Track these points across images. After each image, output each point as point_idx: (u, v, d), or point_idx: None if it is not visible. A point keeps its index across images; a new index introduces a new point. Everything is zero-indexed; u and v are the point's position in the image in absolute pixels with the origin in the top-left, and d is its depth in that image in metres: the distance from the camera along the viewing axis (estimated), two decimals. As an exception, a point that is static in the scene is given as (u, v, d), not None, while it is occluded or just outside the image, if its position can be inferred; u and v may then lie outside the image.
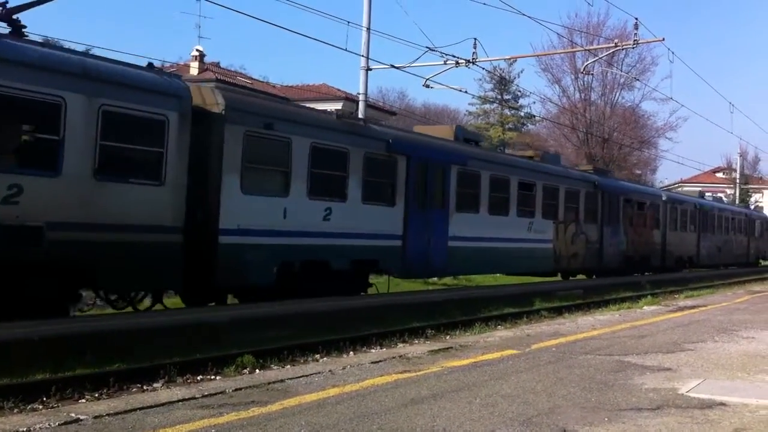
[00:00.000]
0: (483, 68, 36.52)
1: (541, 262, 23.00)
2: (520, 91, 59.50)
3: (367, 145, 16.06)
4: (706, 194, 44.39)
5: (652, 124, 57.90)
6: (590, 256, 25.86)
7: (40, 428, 5.48)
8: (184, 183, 12.04)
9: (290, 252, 14.07)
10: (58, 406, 7.12)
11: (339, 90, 40.90)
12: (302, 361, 10.12)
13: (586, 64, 38.02)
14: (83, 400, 7.62)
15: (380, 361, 8.78)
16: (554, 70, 53.90)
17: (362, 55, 23.94)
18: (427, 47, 24.23)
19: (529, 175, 22.36)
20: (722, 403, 6.83)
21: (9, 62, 9.96)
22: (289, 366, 9.47)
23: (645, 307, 17.12)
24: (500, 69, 55.48)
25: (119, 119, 11.19)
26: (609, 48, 33.26)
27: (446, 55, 24.95)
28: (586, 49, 41.34)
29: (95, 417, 5.80)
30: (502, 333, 12.11)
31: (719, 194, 55.45)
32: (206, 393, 6.80)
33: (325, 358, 10.21)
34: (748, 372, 8.57)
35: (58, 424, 5.57)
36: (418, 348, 10.19)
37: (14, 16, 10.90)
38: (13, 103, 10.01)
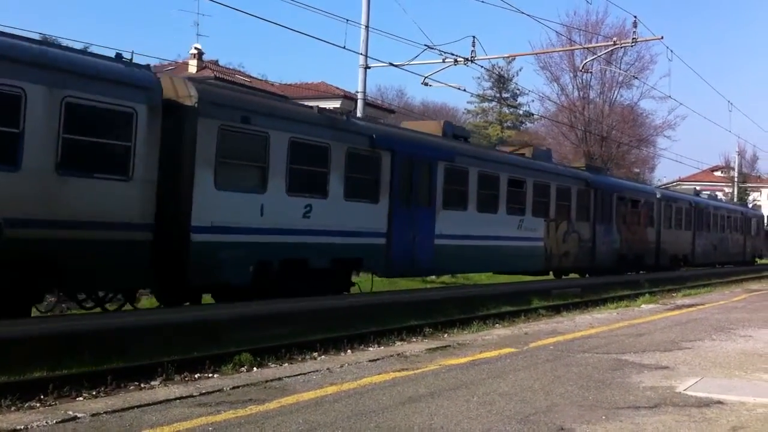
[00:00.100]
0: (482, 66, 36.64)
1: (531, 260, 22.60)
2: (518, 90, 59.51)
3: (350, 140, 15.62)
4: (703, 192, 44.38)
5: (650, 123, 58.04)
6: (582, 254, 25.50)
7: (37, 426, 5.47)
8: (154, 178, 11.62)
9: (268, 250, 13.66)
10: (55, 404, 7.11)
11: (338, 88, 40.90)
12: (300, 359, 10.12)
13: (584, 62, 38.09)
14: (81, 398, 7.61)
15: (378, 359, 8.78)
16: (553, 69, 53.99)
17: (361, 53, 23.94)
18: (425, 45, 24.26)
19: (519, 172, 21.92)
20: (720, 402, 6.84)
21: None
22: (286, 364, 9.46)
23: (643, 306, 17.13)
24: (499, 67, 55.46)
25: (84, 111, 10.75)
26: (608, 46, 33.29)
27: (445, 53, 24.97)
28: (584, 48, 41.40)
29: (93, 415, 5.80)
30: (499, 331, 12.12)
31: (717, 192, 55.52)
32: (204, 391, 6.80)
33: (323, 357, 10.21)
34: (746, 370, 8.58)
35: (56, 422, 5.57)
36: (415, 346, 10.19)
37: None
38: None
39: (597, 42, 43.96)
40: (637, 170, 63.66)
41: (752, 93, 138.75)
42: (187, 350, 9.83)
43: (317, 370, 7.89)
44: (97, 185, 10.95)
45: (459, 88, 29.39)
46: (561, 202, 24.04)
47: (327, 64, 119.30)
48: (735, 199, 63.41)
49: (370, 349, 10.96)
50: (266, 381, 7.30)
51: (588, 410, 6.38)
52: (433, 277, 24.18)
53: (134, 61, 11.95)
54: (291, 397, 6.59)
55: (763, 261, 51.93)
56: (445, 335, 12.29)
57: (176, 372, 8.90)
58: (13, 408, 7.10)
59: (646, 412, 6.35)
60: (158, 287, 12.86)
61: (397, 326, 12.75)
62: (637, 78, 49.70)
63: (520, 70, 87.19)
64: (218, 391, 6.84)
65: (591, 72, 46.98)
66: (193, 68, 38.02)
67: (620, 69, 51.07)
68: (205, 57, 40.42)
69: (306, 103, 19.17)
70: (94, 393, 7.94)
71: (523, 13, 40.92)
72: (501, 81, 57.52)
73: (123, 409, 5.99)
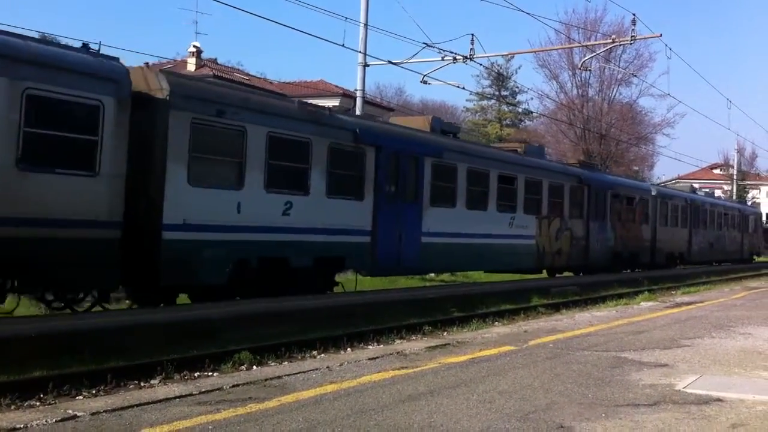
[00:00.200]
0: (481, 64, 36.63)
1: (522, 258, 22.23)
2: (517, 87, 59.62)
3: (332, 135, 15.22)
4: (700, 190, 44.26)
5: (649, 120, 58.01)
6: (576, 252, 25.18)
7: (37, 425, 5.47)
8: (122, 173, 11.18)
9: (245, 248, 13.27)
10: (55, 403, 7.12)
11: (337, 86, 40.89)
12: (299, 357, 10.11)
13: (583, 60, 38.11)
14: (80, 397, 7.62)
15: (377, 357, 8.78)
16: (552, 66, 53.93)
17: (360, 51, 23.94)
18: (424, 43, 24.28)
19: (510, 168, 21.57)
20: (719, 399, 6.84)
21: None
22: (286, 362, 9.46)
23: (642, 304, 17.13)
24: (498, 65, 55.64)
25: (47, 104, 10.32)
26: (606, 44, 33.35)
27: (444, 51, 25.00)
28: (583, 45, 41.43)
29: (92, 413, 5.79)
30: (499, 329, 12.12)
31: (716, 190, 55.52)
32: (203, 389, 6.80)
33: (322, 355, 10.21)
34: (745, 368, 8.58)
35: (55, 421, 5.57)
36: (415, 344, 10.19)
37: None
38: None
39: (596, 40, 43.98)
40: (636, 168, 63.68)
41: (751, 91, 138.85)
42: (187, 349, 9.83)
43: (317, 369, 7.89)
44: (61, 181, 10.50)
45: (458, 86, 29.52)
46: (553, 199, 23.71)
47: (326, 62, 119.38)
48: (734, 197, 63.44)
49: (370, 347, 10.96)
50: (266, 379, 7.30)
51: (587, 408, 6.39)
52: (432, 275, 24.09)
53: (103, 52, 11.57)
54: (291, 395, 6.59)
55: (762, 259, 51.87)
56: (445, 333, 12.29)
57: (176, 371, 8.90)
58: (12, 407, 7.10)
59: (645, 410, 6.36)
60: (129, 287, 12.44)
61: (396, 324, 12.74)
62: (635, 76, 49.73)
63: (519, 68, 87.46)
64: (218, 389, 6.83)
65: (590, 70, 46.97)
66: (191, 66, 38.02)
67: (619, 67, 51.09)
68: (203, 55, 40.43)
69: (323, 105, 19.13)
70: (93, 392, 7.94)
71: (522, 11, 40.97)
72: (500, 79, 57.60)
73: (122, 408, 5.98)
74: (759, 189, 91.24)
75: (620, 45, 32.58)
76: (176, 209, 12.01)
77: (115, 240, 11.07)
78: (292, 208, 14.19)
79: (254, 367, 9.11)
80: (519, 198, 21.79)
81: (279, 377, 7.42)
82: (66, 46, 11.24)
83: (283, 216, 14.02)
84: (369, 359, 8.62)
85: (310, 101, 20.78)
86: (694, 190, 40.89)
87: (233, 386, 6.97)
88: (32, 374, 8.18)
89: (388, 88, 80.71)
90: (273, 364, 9.37)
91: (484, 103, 61.13)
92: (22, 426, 5.42)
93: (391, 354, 9.02)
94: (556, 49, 49.29)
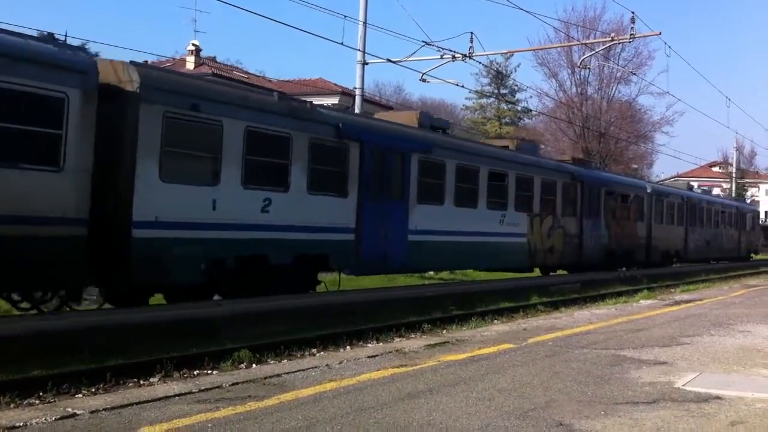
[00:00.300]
0: (480, 63, 36.61)
1: (514, 257, 21.78)
2: (516, 86, 59.52)
3: (314, 130, 14.71)
4: (700, 188, 44.18)
5: (648, 119, 58.07)
6: (569, 250, 24.72)
7: (36, 423, 5.47)
8: (89, 168, 10.71)
9: (221, 247, 12.82)
10: (54, 401, 7.12)
11: (336, 84, 40.91)
12: (299, 355, 10.11)
13: (582, 58, 38.06)
14: (80, 395, 7.62)
15: (377, 355, 8.78)
16: (551, 65, 53.96)
17: (359, 50, 23.95)
18: (423, 41, 24.30)
19: (501, 165, 21.07)
20: (718, 397, 6.85)
21: None
22: (285, 360, 9.47)
23: (641, 301, 17.14)
24: (497, 63, 55.52)
25: (7, 96, 9.85)
26: (605, 42, 33.32)
27: (443, 49, 25.02)
28: (582, 43, 41.41)
29: (92, 412, 5.79)
30: (498, 327, 12.12)
31: (715, 188, 55.49)
32: (203, 388, 6.79)
33: (321, 353, 10.21)
34: (744, 366, 8.59)
35: (55, 419, 5.57)
36: (414, 342, 10.19)
37: None
38: None
39: (595, 38, 44.05)
40: (635, 166, 63.71)
41: (750, 89, 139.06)
42: (186, 347, 9.83)
43: (316, 367, 7.89)
44: (23, 176, 10.04)
45: (457, 85, 29.42)
46: (546, 197, 23.26)
47: (325, 60, 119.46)
48: (733, 195, 63.45)
49: (369, 345, 10.96)
50: (265, 377, 7.30)
51: (587, 406, 6.39)
52: (431, 273, 24.01)
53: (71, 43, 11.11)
54: (290, 393, 6.59)
55: (759, 257, 51.78)
56: (444, 331, 12.30)
57: (175, 369, 8.90)
58: (12, 405, 7.09)
59: (644, 408, 6.36)
60: (99, 287, 11.97)
61: (395, 323, 12.74)
62: (635, 74, 49.75)
63: (518, 66, 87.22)
64: (217, 387, 6.83)
65: (589, 68, 46.96)
66: (190, 65, 38.01)
67: (618, 65, 51.13)
68: (202, 54, 40.42)
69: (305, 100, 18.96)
70: (93, 390, 7.94)
71: (521, 9, 41.01)
72: (499, 77, 57.53)
73: (122, 406, 5.98)
74: (758, 187, 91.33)
75: (619, 43, 32.54)
76: (147, 206, 11.59)
77: (81, 238, 10.59)
78: (271, 205, 13.74)
79: (254, 365, 9.12)
80: (510, 195, 21.35)
81: (278, 375, 7.42)
82: (29, 36, 10.71)
83: (261, 213, 13.59)
84: (368, 357, 8.62)
85: (309, 99, 20.77)
86: (690, 188, 40.61)
87: (233, 384, 6.97)
88: (31, 373, 8.18)
89: (387, 87, 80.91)
90: (272, 362, 9.38)
91: (483, 101, 61.05)
92: (21, 424, 5.41)
93: (390, 352, 9.02)
94: (555, 48, 49.40)
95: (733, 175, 72.00)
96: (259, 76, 42.15)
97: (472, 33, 25.02)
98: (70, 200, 10.52)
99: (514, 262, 22.24)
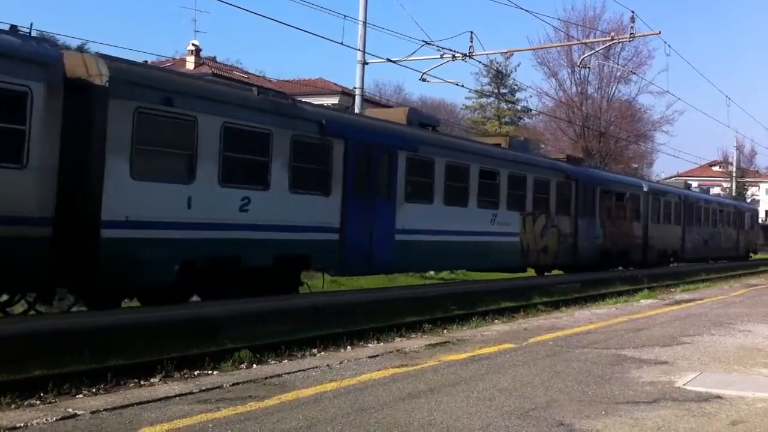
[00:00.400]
0: (480, 62, 36.61)
1: (506, 256, 21.30)
2: (516, 85, 59.56)
3: (296, 127, 14.25)
4: (700, 187, 44.03)
5: (648, 118, 58.07)
6: (563, 250, 24.23)
7: (37, 423, 5.47)
8: (54, 166, 10.30)
9: (196, 247, 12.36)
10: (55, 402, 7.12)
11: (336, 84, 40.92)
12: (299, 355, 10.12)
13: (582, 57, 38.05)
14: (80, 396, 7.61)
15: (377, 355, 8.78)
16: (551, 64, 53.96)
17: (358, 49, 23.97)
18: (423, 41, 24.31)
19: (492, 163, 20.54)
20: (719, 396, 6.85)
21: None
22: (286, 361, 9.47)
23: (642, 301, 17.14)
24: (497, 63, 55.56)
25: None
26: (605, 41, 33.32)
27: (443, 48, 25.02)
28: (582, 43, 41.39)
29: (92, 412, 5.79)
30: (499, 327, 12.12)
31: (716, 187, 55.48)
32: (203, 388, 6.79)
33: (322, 353, 10.22)
34: (745, 365, 8.59)
35: (56, 420, 5.57)
36: (415, 342, 10.19)
37: None
38: None
39: (595, 37, 44.06)
40: (635, 165, 63.73)
41: (750, 88, 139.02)
42: (187, 347, 9.84)
43: (317, 367, 7.89)
44: None
45: (457, 84, 29.42)
46: (539, 195, 22.76)
47: (325, 60, 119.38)
48: (733, 194, 63.43)
49: (370, 345, 10.96)
50: (266, 378, 7.30)
51: (587, 405, 6.39)
52: (432, 273, 23.93)
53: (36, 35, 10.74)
54: (290, 393, 6.59)
55: (758, 256, 51.64)
56: (445, 331, 12.30)
57: (176, 369, 8.90)
58: (13, 406, 7.10)
59: (645, 407, 6.36)
60: (68, 289, 11.60)
61: (396, 323, 12.75)
62: (635, 73, 49.79)
63: (518, 65, 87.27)
64: (218, 387, 6.83)
65: (589, 67, 46.96)
66: (190, 65, 38.03)
67: (618, 64, 51.13)
68: (202, 53, 40.44)
69: (304, 100, 18.90)
70: (93, 390, 7.94)
71: (520, 8, 41.01)
72: (499, 76, 57.55)
73: (123, 407, 5.98)
74: (758, 186, 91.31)
75: (619, 42, 32.50)
76: (117, 205, 11.14)
77: (45, 238, 10.17)
78: (250, 204, 13.28)
79: (254, 365, 9.12)
80: (502, 194, 20.87)
81: (279, 375, 7.42)
82: None
83: (240, 212, 13.14)
84: (369, 357, 8.62)
85: (309, 99, 20.71)
86: (688, 186, 40.19)
87: (233, 384, 6.97)
88: (32, 373, 8.18)
89: (387, 86, 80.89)
90: (273, 362, 9.38)
91: (483, 100, 61.07)
92: (22, 425, 5.41)
93: (391, 352, 9.02)
94: (555, 47, 49.38)
95: (734, 174, 71.96)
96: (259, 76, 42.16)
97: (471, 32, 25.06)
98: (34, 199, 10.12)
99: (507, 262, 21.79)
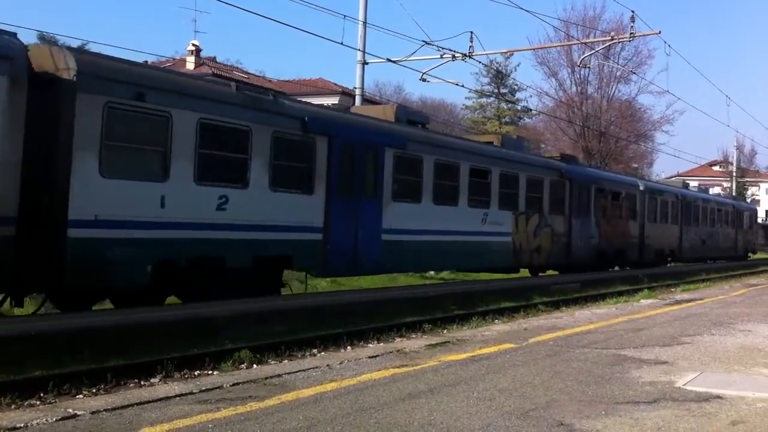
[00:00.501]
0: (480, 62, 36.62)
1: (498, 257, 20.90)
2: (516, 85, 59.63)
3: (277, 123, 13.89)
4: (700, 186, 43.89)
5: (648, 118, 58.11)
6: (556, 250, 23.85)
7: (37, 424, 5.47)
8: (17, 162, 9.99)
9: (171, 247, 12.00)
10: (55, 402, 7.12)
11: (336, 84, 40.93)
12: (299, 355, 10.11)
13: (582, 57, 38.06)
14: (80, 396, 7.61)
15: (378, 355, 8.78)
16: (551, 64, 54.01)
17: (358, 49, 23.98)
18: (423, 41, 24.32)
19: (483, 161, 20.12)
20: (719, 396, 6.85)
21: None
22: (286, 361, 9.46)
23: (642, 301, 17.13)
24: (497, 63, 55.62)
25: None
26: (605, 41, 33.31)
27: (443, 48, 25.04)
28: (582, 42, 41.40)
29: (92, 412, 5.79)
30: (499, 327, 12.12)
31: (716, 187, 55.43)
32: (203, 388, 6.79)
33: (322, 353, 10.21)
34: (745, 365, 8.59)
35: (56, 420, 5.57)
36: (415, 342, 10.19)
37: None
38: None
39: (595, 37, 44.07)
40: (635, 165, 63.77)
41: (750, 87, 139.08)
42: (187, 347, 9.83)
43: (317, 367, 7.89)
44: None
45: (457, 84, 29.42)
46: (532, 194, 22.37)
47: (325, 60, 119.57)
48: (734, 194, 63.42)
49: (370, 345, 10.96)
50: (266, 378, 7.30)
51: (587, 405, 6.39)
52: (432, 273, 23.85)
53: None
54: (291, 393, 6.59)
55: (757, 256, 51.54)
56: (445, 331, 12.30)
57: (176, 369, 8.90)
58: (13, 406, 7.09)
59: (645, 407, 6.36)
60: (36, 291, 11.35)
61: (396, 323, 12.73)
62: (635, 73, 49.86)
63: (518, 65, 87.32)
64: (218, 388, 6.83)
65: (589, 67, 47.01)
66: (190, 65, 38.04)
67: (618, 64, 51.14)
68: (202, 54, 40.45)
69: (303, 100, 18.84)
70: (93, 390, 7.94)
71: (520, 8, 41.02)
72: (499, 76, 57.58)
73: (123, 407, 5.98)
74: (758, 186, 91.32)
75: (619, 42, 32.49)
76: (86, 203, 10.76)
77: (8, 238, 9.86)
78: (228, 203, 12.88)
79: (254, 365, 9.12)
80: (493, 192, 20.49)
81: (279, 376, 7.42)
82: None
83: (217, 211, 12.73)
84: (369, 357, 8.62)
85: (309, 99, 20.70)
86: (686, 186, 39.89)
87: (233, 385, 6.97)
88: (32, 373, 8.17)
89: (387, 86, 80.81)
90: (273, 362, 9.38)
91: (483, 100, 61.12)
92: (22, 425, 5.41)
93: (391, 352, 9.02)
94: (555, 47, 49.41)
95: (734, 174, 71.96)
96: (259, 76, 42.17)
97: (471, 32, 25.06)
98: None
99: (498, 262, 21.40)
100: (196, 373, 8.93)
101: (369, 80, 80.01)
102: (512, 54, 55.54)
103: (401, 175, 17.16)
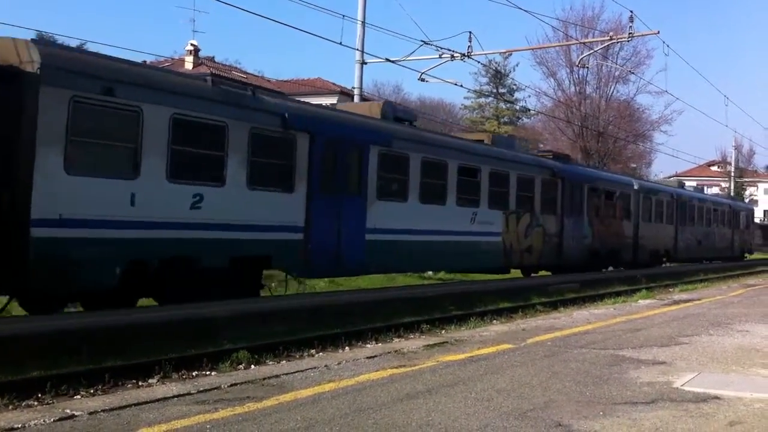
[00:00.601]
0: (478, 62, 36.61)
1: (487, 257, 20.54)
2: (515, 85, 59.53)
3: (255, 119, 13.50)
4: (699, 186, 43.82)
5: (647, 118, 58.16)
6: (548, 250, 23.46)
7: (35, 424, 5.46)
8: None
9: (142, 247, 11.60)
10: (53, 403, 7.10)
11: (334, 84, 40.96)
12: (297, 356, 10.10)
13: (581, 57, 38.10)
14: (78, 396, 7.61)
15: (376, 356, 8.78)
16: (549, 64, 54.07)
17: (357, 49, 23.98)
18: (422, 41, 24.32)
19: (472, 159, 19.73)
20: (717, 397, 6.85)
21: None
22: (284, 361, 9.46)
23: (640, 301, 17.15)
24: (495, 62, 55.55)
25: None
26: (604, 41, 33.31)
27: (441, 48, 25.03)
28: (580, 42, 41.45)
29: (90, 413, 5.79)
30: (497, 327, 12.13)
31: (714, 187, 55.45)
32: (201, 388, 6.79)
33: (320, 354, 10.20)
34: (743, 365, 8.60)
35: (53, 420, 5.56)
36: (413, 343, 10.19)
37: None
38: None
39: (593, 37, 44.05)
40: (634, 165, 63.81)
41: (749, 87, 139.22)
42: (185, 348, 9.83)
43: (315, 368, 7.89)
44: None
45: (455, 84, 29.42)
46: (522, 193, 21.99)
47: (324, 60, 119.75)
48: (732, 194, 63.47)
49: (368, 346, 10.96)
50: (264, 378, 7.30)
51: (585, 406, 6.39)
52: (430, 273, 23.79)
53: None
54: (289, 394, 6.59)
55: (755, 256, 51.51)
56: (443, 332, 12.30)
57: (174, 370, 8.89)
58: (10, 407, 7.08)
59: (643, 408, 6.36)
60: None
61: (394, 323, 12.74)
62: (633, 73, 49.94)
63: (517, 65, 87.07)
64: (216, 388, 6.83)
65: (587, 67, 47.08)
66: (189, 65, 38.03)
67: (616, 64, 51.19)
68: (201, 54, 40.45)
69: (303, 100, 18.81)
70: (91, 391, 7.93)
71: (519, 8, 41.01)
72: (498, 76, 57.53)
73: (120, 407, 5.98)
74: (757, 186, 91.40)
75: (618, 42, 32.49)
76: (50, 202, 10.36)
77: None
78: (202, 201, 12.47)
79: (252, 366, 9.11)
80: (483, 191, 20.05)
81: (277, 376, 7.42)
82: None
83: (191, 210, 12.30)
84: (367, 358, 8.62)
85: (308, 99, 20.67)
86: (681, 185, 39.67)
87: (231, 385, 6.97)
88: (30, 374, 8.17)
89: (386, 86, 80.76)
90: (271, 363, 9.37)
91: (482, 100, 61.06)
92: (19, 426, 5.41)
93: (389, 352, 9.02)
94: (554, 47, 49.45)
95: (732, 174, 72.02)
96: (257, 76, 42.19)
97: (470, 32, 25.05)
98: None
99: (488, 262, 21.06)
100: (194, 373, 8.92)
101: (368, 80, 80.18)
102: (511, 54, 55.52)
103: (387, 173, 16.84)
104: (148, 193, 11.63)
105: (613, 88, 54.89)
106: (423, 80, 27.04)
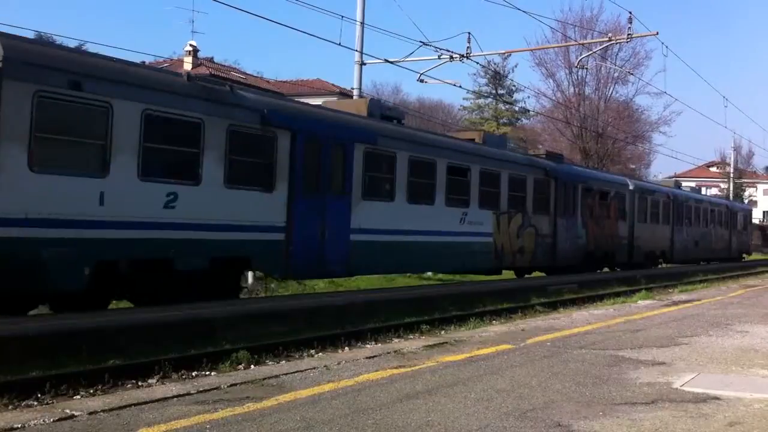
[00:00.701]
0: (477, 63, 36.66)
1: (478, 258, 20.14)
2: (514, 86, 59.53)
3: (233, 116, 13.14)
4: (687, 186, 43.65)
5: (645, 119, 58.07)
6: (541, 251, 23.09)
7: (35, 424, 5.46)
8: None
9: (112, 248, 11.23)
10: (52, 403, 7.11)
11: (333, 85, 40.99)
12: (297, 356, 10.11)
13: (580, 58, 38.10)
14: (78, 396, 7.61)
15: (375, 356, 8.78)
16: (548, 65, 53.97)
17: (356, 50, 23.98)
18: (421, 42, 24.30)
19: (462, 158, 19.35)
20: (716, 397, 6.86)
21: None
22: (284, 361, 9.46)
23: (639, 302, 17.14)
24: (494, 63, 55.58)
25: None
26: (603, 42, 33.29)
27: (440, 49, 25.05)
28: (579, 43, 41.47)
29: (90, 413, 5.79)
30: (496, 328, 12.13)
31: (714, 188, 55.48)
32: (201, 389, 6.79)
33: (320, 354, 10.20)
34: (742, 366, 8.60)
35: (53, 420, 5.56)
36: (413, 343, 10.19)
37: None
38: None
39: (592, 38, 44.05)
40: (632, 166, 63.81)
41: (748, 88, 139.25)
42: (185, 348, 9.83)
43: (314, 368, 7.89)
44: None
45: (454, 85, 29.48)
46: (514, 193, 21.62)
47: (323, 61, 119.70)
48: (731, 195, 63.49)
49: (368, 346, 10.96)
50: (263, 378, 7.30)
51: (585, 406, 6.39)
52: (430, 273, 23.76)
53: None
54: (288, 394, 6.59)
55: (753, 257, 51.46)
56: (442, 332, 12.30)
57: (173, 370, 8.89)
58: (10, 407, 7.08)
59: (642, 408, 6.37)
60: None
61: (394, 323, 12.74)
62: (632, 74, 49.84)
63: (516, 66, 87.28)
64: (215, 388, 6.83)
65: (586, 68, 46.92)
66: (188, 65, 37.98)
67: (615, 65, 51.15)
68: (200, 54, 40.45)
69: (302, 100, 18.78)
70: (91, 391, 7.93)
71: (518, 9, 40.91)
72: (497, 77, 57.55)
73: (120, 407, 5.98)
74: (756, 187, 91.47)
75: (617, 43, 32.49)
76: (13, 200, 10.06)
77: None
78: (177, 201, 12.12)
79: (252, 366, 9.11)
80: (473, 191, 19.66)
81: (277, 376, 7.42)
82: None
83: (165, 209, 11.96)
84: (367, 358, 8.62)
85: (307, 100, 20.64)
86: (678, 186, 39.36)
87: (231, 385, 6.97)
88: (30, 374, 8.16)
89: (385, 87, 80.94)
90: (271, 363, 9.37)
91: (481, 101, 61.07)
92: (19, 426, 5.41)
93: (388, 353, 9.02)
94: (553, 48, 49.42)
95: (731, 175, 72.07)
96: (257, 77, 42.20)
97: (469, 33, 25.02)
98: None
99: (479, 263, 20.65)
100: (193, 373, 8.92)
101: (367, 81, 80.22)
102: (510, 55, 55.56)
103: (372, 172, 16.46)
104: (118, 191, 11.30)
105: (612, 89, 54.89)
106: (422, 81, 27.09)
